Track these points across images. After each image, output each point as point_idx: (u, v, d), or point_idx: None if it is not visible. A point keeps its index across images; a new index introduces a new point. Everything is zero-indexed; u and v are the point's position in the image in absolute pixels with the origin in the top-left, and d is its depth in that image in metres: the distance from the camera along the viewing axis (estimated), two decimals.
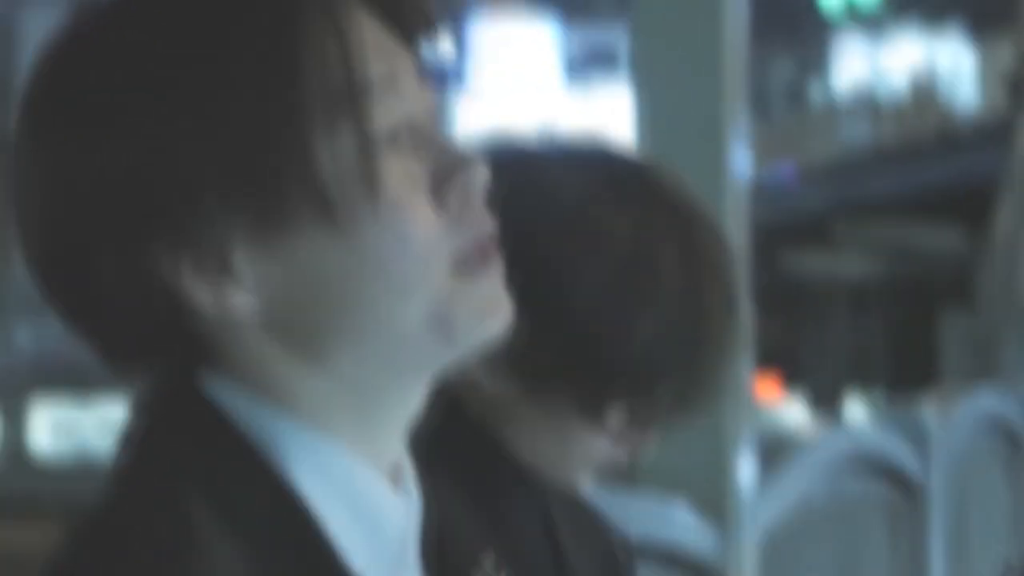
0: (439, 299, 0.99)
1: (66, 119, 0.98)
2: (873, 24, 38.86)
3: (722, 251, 1.50)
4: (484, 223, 1.02)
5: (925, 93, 33.18)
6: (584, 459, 1.49)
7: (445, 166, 0.99)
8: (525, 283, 1.18)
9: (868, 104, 33.37)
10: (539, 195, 1.46)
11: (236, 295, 0.96)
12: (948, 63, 33.89)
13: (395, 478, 1.03)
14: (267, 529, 0.98)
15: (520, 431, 1.45)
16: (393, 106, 0.98)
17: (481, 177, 1.01)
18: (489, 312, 1.02)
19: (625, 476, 2.93)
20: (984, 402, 6.66)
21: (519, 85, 31.91)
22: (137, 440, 1.01)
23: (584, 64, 39.04)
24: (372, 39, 0.98)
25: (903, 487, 5.17)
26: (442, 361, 1.02)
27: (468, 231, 1.00)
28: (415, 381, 1.02)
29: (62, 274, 1.00)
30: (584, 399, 1.43)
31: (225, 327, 0.98)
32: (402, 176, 0.97)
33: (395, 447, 1.03)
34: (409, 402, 1.02)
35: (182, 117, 0.95)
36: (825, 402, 26.75)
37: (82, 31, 1.01)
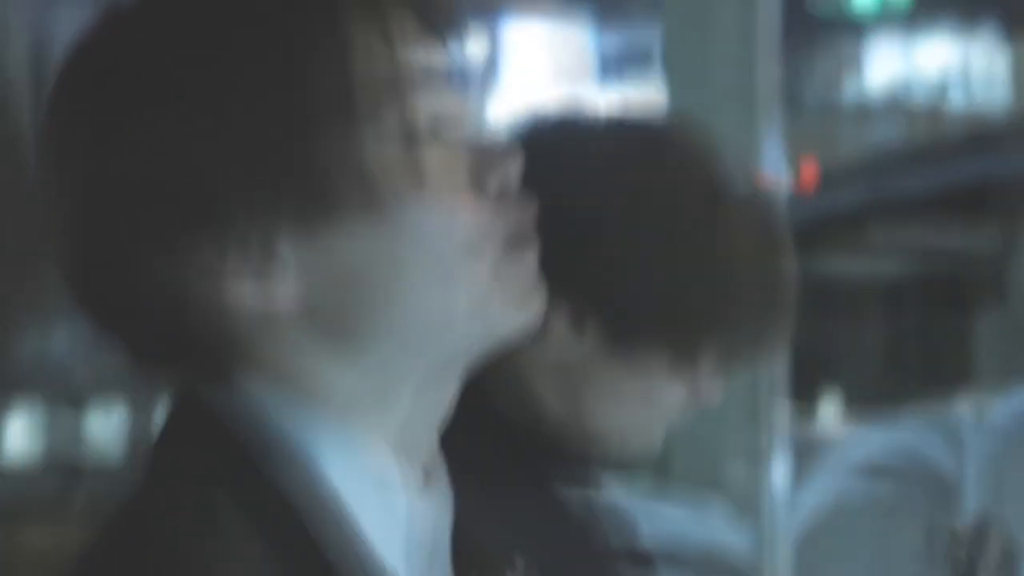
0: (480, 288, 0.98)
1: (104, 118, 0.95)
2: (906, 24, 38.84)
3: (773, 216, 1.56)
4: (522, 211, 1.01)
5: (956, 93, 32.98)
6: (665, 411, 1.53)
7: (482, 157, 0.99)
8: (613, 251, 1.26)
9: (901, 104, 33.05)
10: (605, 160, 1.48)
11: (280, 286, 0.94)
12: (981, 63, 33.76)
13: (427, 475, 1.01)
14: (297, 527, 0.95)
15: (603, 393, 1.48)
16: (433, 100, 0.98)
17: (517, 166, 1.00)
18: (525, 302, 1.01)
19: (660, 477, 2.91)
20: (1020, 400, 6.26)
21: (553, 84, 31.77)
22: (165, 440, 1.00)
23: (619, 64, 38.51)
24: (413, 37, 0.98)
25: (938, 487, 4.97)
26: (476, 352, 1.01)
27: (507, 219, 1.00)
28: (449, 374, 1.00)
29: (98, 279, 0.98)
30: (678, 351, 1.48)
31: (262, 323, 0.96)
32: (444, 166, 0.97)
33: (427, 444, 1.01)
34: (441, 398, 1.01)
35: (229, 110, 0.93)
36: (859, 402, 25.61)
37: (122, 27, 0.98)
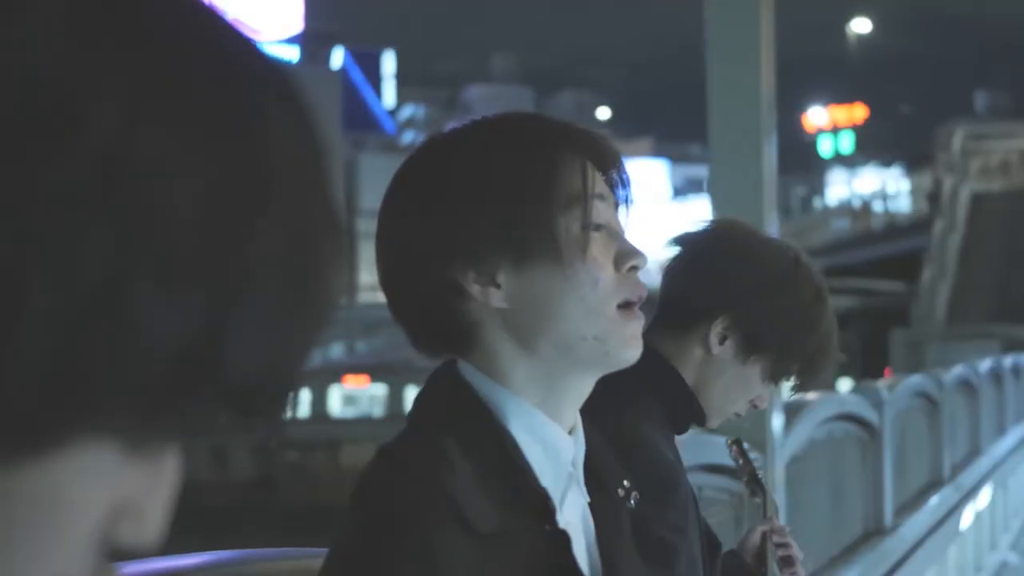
0: (603, 327, 1.34)
1: (417, 206, 1.36)
2: (850, 163, 51.82)
3: (823, 288, 1.98)
4: (640, 289, 1.37)
5: (880, 204, 43.80)
6: (745, 405, 1.97)
7: (623, 248, 1.36)
8: (751, 322, 1.84)
9: (847, 210, 44.43)
10: (756, 262, 1.96)
11: (495, 297, 1.32)
12: (893, 186, 45.96)
13: (571, 430, 1.38)
14: (492, 458, 1.31)
15: (721, 381, 1.93)
16: (602, 211, 1.35)
17: (643, 261, 1.36)
18: (630, 345, 1.36)
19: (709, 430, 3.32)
20: (914, 381, 7.91)
21: (644, 201, 44.20)
22: (418, 402, 1.39)
23: (683, 189, 52.59)
24: (597, 176, 1.37)
25: (868, 430, 6.28)
26: (599, 369, 1.37)
27: (629, 291, 1.36)
28: (584, 378, 1.38)
29: (402, 297, 1.37)
30: (774, 375, 1.93)
31: (485, 326, 1.34)
32: (601, 249, 1.34)
33: (571, 413, 1.38)
34: (580, 391, 1.38)
35: (487, 204, 1.32)
36: (825, 383, 33.17)
37: (432, 149, 1.40)
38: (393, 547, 1.23)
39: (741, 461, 2.23)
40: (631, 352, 1.37)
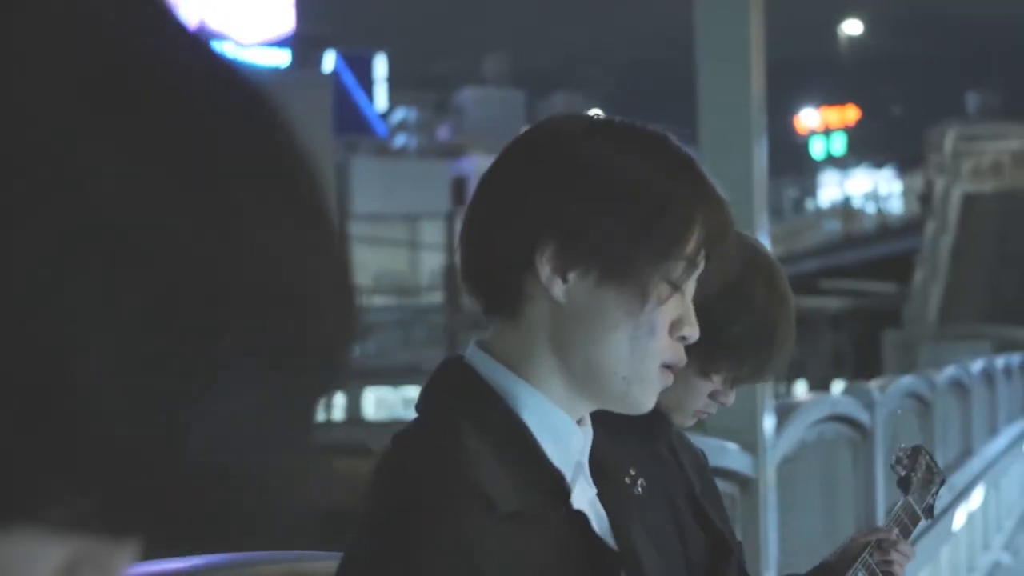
0: (639, 373, 1.38)
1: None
2: (842, 165, 51.68)
3: (786, 286, 1.93)
4: (682, 358, 1.42)
5: (872, 205, 44.01)
6: (697, 405, 1.91)
7: (686, 318, 1.41)
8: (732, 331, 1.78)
9: (839, 211, 44.46)
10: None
11: (558, 288, 1.35)
12: (885, 188, 46.42)
13: (581, 422, 1.43)
14: (506, 443, 1.34)
15: (690, 395, 1.87)
16: (690, 280, 1.41)
17: (695, 336, 1.41)
18: (650, 400, 1.41)
19: (701, 431, 3.58)
20: (905, 382, 7.85)
21: None
22: (426, 391, 1.41)
23: None
24: (697, 249, 1.40)
25: (860, 431, 6.22)
26: (612, 404, 1.42)
27: (675, 356, 1.41)
28: (598, 402, 1.43)
29: (484, 240, 1.40)
30: (736, 382, 1.89)
31: (534, 305, 1.38)
32: (670, 308, 1.40)
33: (583, 409, 1.42)
34: (593, 405, 1.43)
35: (611, 212, 1.36)
36: (816, 382, 33.33)
37: (517, 157, 1.42)
38: (425, 535, 1.24)
39: (905, 468, 2.28)
40: (646, 405, 1.42)
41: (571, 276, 1.36)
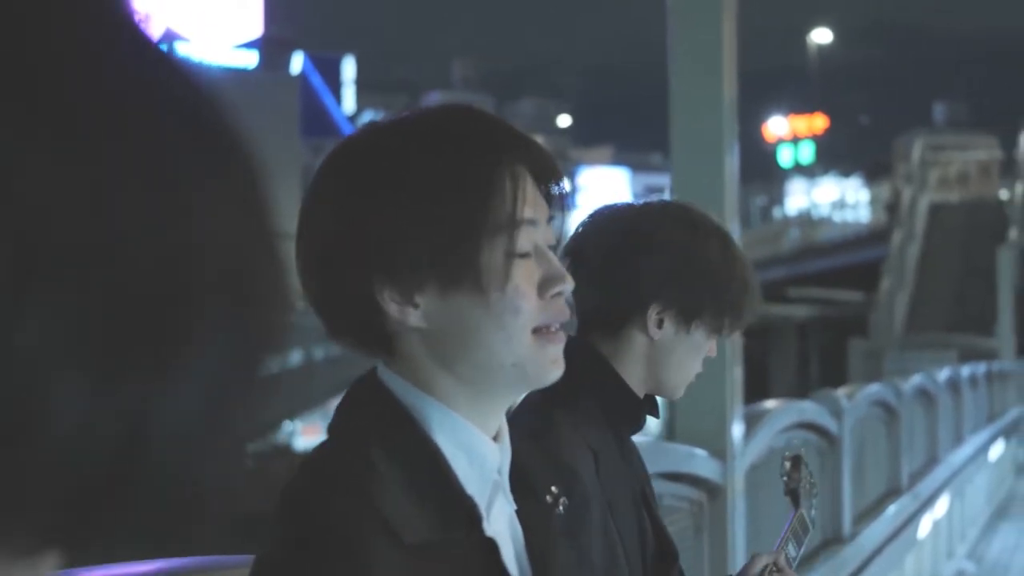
0: (521, 354, 1.34)
1: (340, 209, 1.30)
2: (809, 173, 52.00)
3: (725, 236, 2.04)
4: (562, 315, 1.36)
5: (839, 214, 44.35)
6: (695, 369, 2.02)
7: (550, 275, 1.36)
8: (686, 276, 1.91)
9: (806, 220, 44.66)
10: (662, 245, 1.97)
11: (412, 316, 1.31)
12: (852, 197, 46.36)
13: (496, 437, 1.38)
14: (418, 468, 1.31)
15: (675, 357, 1.98)
16: (531, 236, 1.34)
17: (569, 285, 1.36)
18: (549, 369, 1.36)
19: (670, 437, 3.70)
20: (872, 390, 7.91)
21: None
22: (340, 412, 1.37)
23: (644, 196, 52.25)
24: (531, 194, 1.33)
25: (827, 438, 6.34)
26: (520, 390, 1.39)
27: (550, 316, 1.35)
28: (507, 393, 1.39)
29: (321, 298, 1.33)
30: (715, 329, 1.99)
31: (403, 338, 1.33)
32: (525, 276, 1.33)
33: (496, 420, 1.38)
34: (505, 400, 1.39)
35: (411, 225, 1.28)
36: (784, 389, 32.25)
37: (354, 146, 1.35)
38: (324, 563, 1.22)
39: (788, 476, 2.28)
40: (550, 375, 1.37)
41: (417, 298, 1.31)
